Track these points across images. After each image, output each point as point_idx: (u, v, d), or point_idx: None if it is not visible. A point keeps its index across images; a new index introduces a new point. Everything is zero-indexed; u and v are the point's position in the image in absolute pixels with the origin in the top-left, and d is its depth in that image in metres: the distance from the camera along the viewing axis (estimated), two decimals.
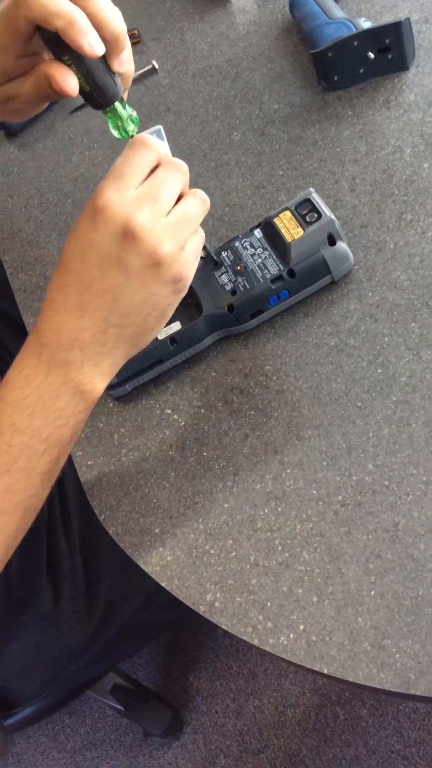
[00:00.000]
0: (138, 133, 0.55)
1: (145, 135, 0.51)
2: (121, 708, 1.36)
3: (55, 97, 0.52)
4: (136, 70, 0.90)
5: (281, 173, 0.75)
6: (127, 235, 0.47)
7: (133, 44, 0.94)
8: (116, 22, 0.50)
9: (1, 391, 0.50)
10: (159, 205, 0.49)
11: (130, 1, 0.99)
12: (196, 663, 1.49)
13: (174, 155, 0.78)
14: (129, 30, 0.93)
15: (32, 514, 0.53)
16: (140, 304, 0.50)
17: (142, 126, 0.84)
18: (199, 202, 0.52)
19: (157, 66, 0.90)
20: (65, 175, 0.86)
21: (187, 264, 0.51)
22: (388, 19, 0.80)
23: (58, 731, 1.53)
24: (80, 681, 0.91)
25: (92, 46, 0.47)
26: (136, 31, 0.94)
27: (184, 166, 0.51)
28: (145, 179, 0.49)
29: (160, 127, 0.83)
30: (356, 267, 0.66)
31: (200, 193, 0.52)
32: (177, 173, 0.51)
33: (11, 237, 0.84)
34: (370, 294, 0.64)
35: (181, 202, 0.51)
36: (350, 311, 0.64)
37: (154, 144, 0.50)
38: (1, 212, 0.86)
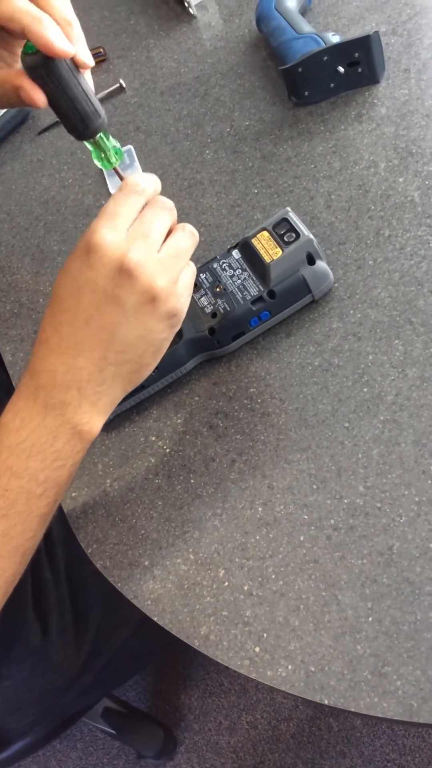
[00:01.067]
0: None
1: (134, 175, 0.51)
2: (113, 731, 1.34)
3: (18, 105, 0.51)
4: (103, 89, 0.89)
5: (256, 191, 0.74)
6: (123, 272, 0.48)
7: (98, 63, 0.93)
8: (66, 12, 0.49)
9: None
10: (151, 242, 0.49)
11: (94, 18, 0.98)
12: (186, 681, 1.48)
13: None
14: (94, 48, 0.92)
15: (29, 556, 0.52)
16: (137, 340, 0.50)
17: None
18: (188, 236, 0.52)
19: (124, 84, 0.89)
20: (35, 198, 0.85)
21: (181, 298, 0.52)
22: (356, 32, 0.80)
23: (49, 757, 1.51)
24: (72, 712, 0.89)
25: (62, 43, 0.47)
26: (101, 49, 0.92)
27: (170, 203, 0.52)
28: (136, 219, 0.50)
29: (130, 147, 0.82)
30: (336, 285, 0.65)
31: (189, 228, 0.53)
32: (166, 211, 0.51)
33: None
34: (351, 312, 0.64)
35: (171, 237, 0.51)
36: (333, 330, 0.64)
37: (144, 186, 0.50)
38: None
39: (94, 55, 0.92)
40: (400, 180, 0.69)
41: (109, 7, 0.98)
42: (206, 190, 0.77)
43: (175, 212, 0.52)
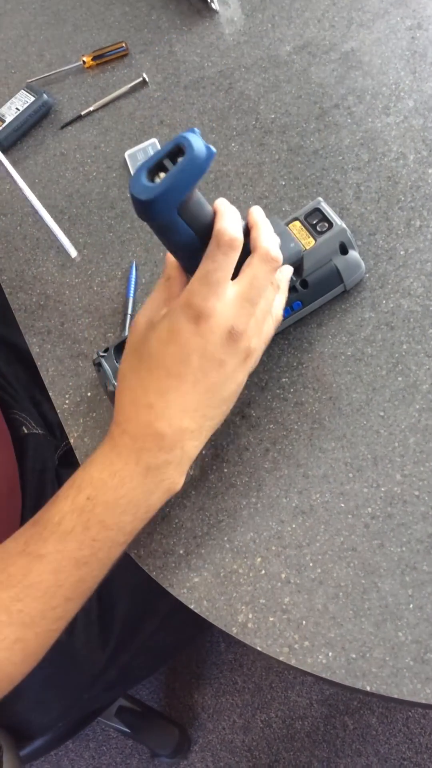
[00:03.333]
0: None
1: (221, 221, 0.51)
2: (128, 730, 1.34)
3: None
4: (125, 83, 0.89)
5: (283, 183, 0.74)
6: (230, 338, 0.52)
7: (120, 57, 0.93)
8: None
9: (89, 489, 0.52)
10: (254, 308, 0.53)
11: (115, 14, 0.98)
12: (200, 680, 1.47)
13: None
14: (116, 43, 0.92)
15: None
16: (229, 394, 0.55)
17: (136, 139, 0.83)
18: (275, 290, 0.57)
19: (147, 78, 0.89)
20: (59, 191, 0.85)
21: (263, 348, 0.57)
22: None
23: (62, 756, 1.50)
24: (94, 707, 0.89)
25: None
26: (123, 44, 0.92)
27: (273, 251, 0.54)
28: (242, 271, 0.53)
29: (155, 140, 0.82)
30: (367, 275, 0.65)
31: (283, 285, 0.58)
32: (268, 268, 0.54)
33: (7, 256, 0.82)
34: (384, 302, 0.64)
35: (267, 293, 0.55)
36: (365, 320, 0.64)
37: (234, 235, 0.51)
38: None
39: (116, 50, 0.92)
40: (430, 171, 0.69)
41: (130, 3, 0.98)
42: (233, 183, 0.77)
43: (277, 261, 0.54)
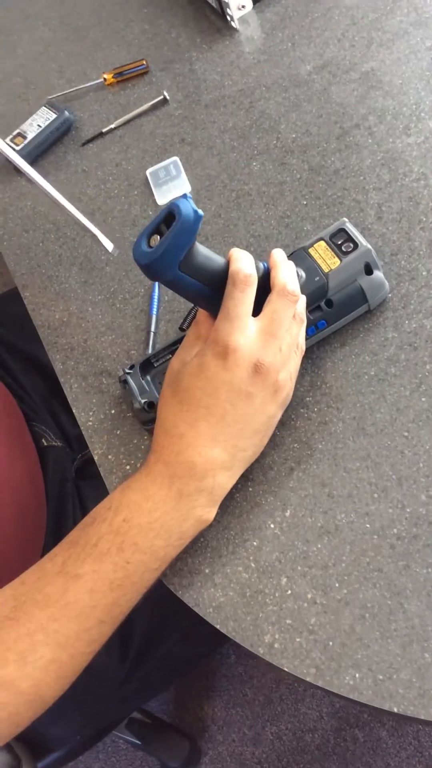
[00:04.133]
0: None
1: (236, 262, 0.56)
2: (138, 742, 1.34)
3: None
4: (146, 101, 0.90)
5: (305, 202, 0.75)
6: (256, 372, 0.55)
7: (140, 75, 0.94)
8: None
9: (125, 512, 0.54)
10: (278, 341, 0.56)
11: (135, 31, 0.99)
12: (210, 692, 1.48)
13: (192, 186, 0.79)
14: (136, 61, 0.93)
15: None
16: (261, 426, 0.57)
17: (158, 157, 0.84)
18: (299, 324, 0.59)
19: (168, 96, 0.90)
20: (81, 209, 0.85)
21: (293, 383, 0.59)
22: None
23: None
24: (112, 720, 0.90)
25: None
26: (144, 62, 0.93)
27: (290, 286, 0.57)
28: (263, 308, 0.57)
29: (176, 158, 0.83)
30: (390, 295, 0.66)
31: (299, 314, 0.59)
32: (289, 303, 0.57)
33: (30, 272, 0.83)
34: (406, 322, 0.64)
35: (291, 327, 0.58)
36: (388, 340, 0.64)
37: (249, 272, 0.55)
38: (18, 248, 0.85)
39: (137, 68, 0.93)
40: None
41: (150, 21, 0.99)
42: (254, 202, 0.77)
43: (295, 295, 0.57)
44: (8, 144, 0.90)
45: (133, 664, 0.80)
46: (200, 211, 0.53)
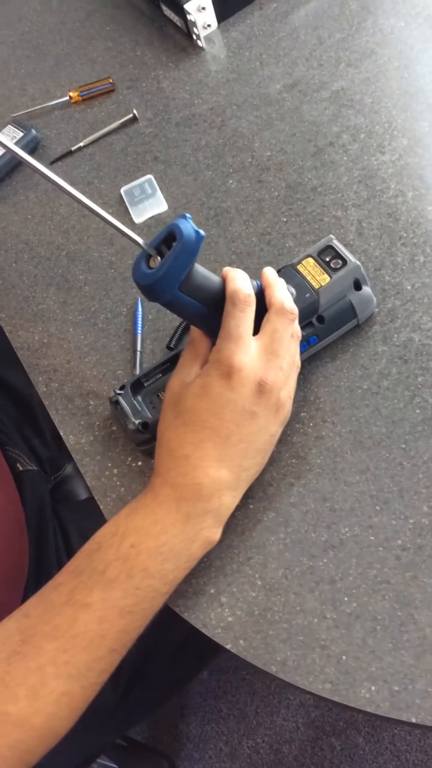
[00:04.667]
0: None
1: (232, 281, 0.56)
2: (116, 766, 1.31)
3: None
4: (115, 119, 0.90)
5: (285, 219, 0.76)
6: (260, 391, 0.55)
7: (107, 93, 0.93)
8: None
9: (133, 537, 0.53)
10: (279, 360, 0.56)
11: (97, 48, 0.99)
12: (183, 709, 1.46)
13: (169, 204, 0.79)
14: (102, 79, 0.93)
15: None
16: (264, 445, 0.57)
17: (131, 175, 0.84)
18: (296, 341, 0.60)
19: (137, 114, 0.89)
20: (54, 227, 0.84)
21: (291, 398, 0.59)
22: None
23: None
24: (99, 749, 0.88)
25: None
26: (110, 80, 0.93)
27: (288, 304, 0.58)
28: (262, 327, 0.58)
29: (150, 176, 0.83)
30: (377, 310, 0.67)
31: (297, 330, 0.60)
32: (287, 320, 0.58)
33: (5, 293, 0.81)
34: (395, 336, 0.66)
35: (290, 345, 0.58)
36: (378, 353, 0.65)
37: (247, 292, 0.56)
38: None
39: (103, 86, 0.93)
40: (429, 208, 0.71)
41: (113, 38, 0.99)
42: (234, 219, 0.78)
43: (293, 313, 0.58)
44: None
45: (125, 692, 0.79)
46: (202, 232, 0.53)
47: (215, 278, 0.57)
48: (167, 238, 0.54)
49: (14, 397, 0.99)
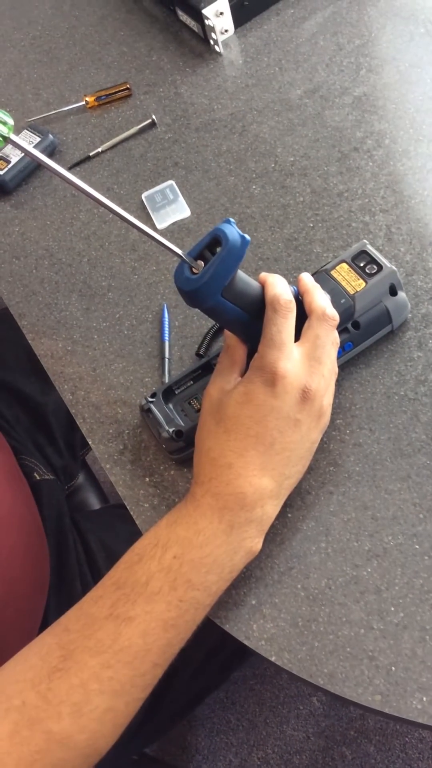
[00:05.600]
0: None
1: (273, 286, 0.56)
2: None
3: None
4: (133, 124, 0.89)
5: (311, 225, 0.75)
6: (304, 398, 0.54)
7: (123, 98, 0.93)
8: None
9: (175, 548, 0.52)
10: (322, 367, 0.56)
11: (112, 53, 0.98)
12: (192, 720, 1.45)
13: (192, 210, 0.78)
14: (119, 84, 0.92)
15: None
16: (305, 452, 0.56)
17: (152, 181, 0.83)
18: (336, 346, 0.58)
19: (156, 119, 0.89)
20: (75, 233, 0.83)
21: (330, 405, 0.58)
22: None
23: None
24: (121, 764, 0.86)
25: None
26: (127, 85, 0.92)
27: (329, 310, 0.58)
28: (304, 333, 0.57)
29: (171, 182, 0.82)
30: (410, 315, 0.67)
31: (337, 337, 0.59)
32: (328, 326, 0.57)
33: (26, 300, 0.80)
34: (431, 342, 0.65)
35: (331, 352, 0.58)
36: (413, 359, 0.65)
37: (287, 298, 0.55)
38: (10, 275, 0.82)
39: (120, 90, 0.92)
40: None
41: (128, 44, 0.98)
42: (259, 225, 0.77)
43: (335, 319, 0.58)
44: None
45: (150, 707, 0.77)
46: (247, 237, 0.52)
47: (255, 284, 0.56)
48: (211, 244, 0.53)
49: (27, 406, 0.98)
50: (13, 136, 0.44)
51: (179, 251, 0.52)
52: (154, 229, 0.80)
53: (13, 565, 0.72)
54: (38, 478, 0.89)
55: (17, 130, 0.91)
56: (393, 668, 0.53)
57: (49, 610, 0.77)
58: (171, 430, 0.63)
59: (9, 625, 0.70)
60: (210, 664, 0.82)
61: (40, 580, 0.76)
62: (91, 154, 0.88)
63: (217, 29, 0.90)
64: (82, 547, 0.86)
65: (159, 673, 0.53)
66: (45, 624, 0.75)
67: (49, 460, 0.98)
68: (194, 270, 0.53)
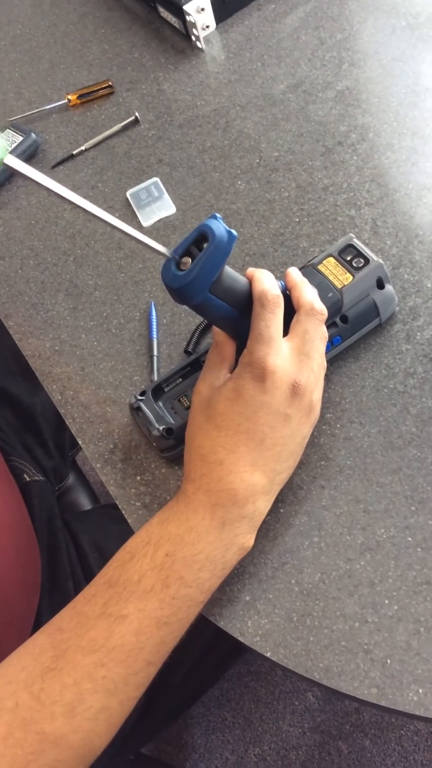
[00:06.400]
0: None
1: (259, 281, 0.55)
2: None
3: None
4: (116, 122, 0.88)
5: (297, 220, 0.75)
6: (294, 393, 0.54)
7: (106, 95, 0.92)
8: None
9: (167, 545, 0.52)
10: (311, 360, 0.56)
11: (93, 51, 0.97)
12: (187, 719, 1.44)
13: (177, 207, 0.78)
14: (101, 81, 0.91)
15: None
16: (296, 447, 0.56)
17: (136, 178, 0.82)
18: (324, 340, 0.58)
19: (139, 117, 0.88)
20: (59, 232, 0.83)
21: (320, 400, 0.58)
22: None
23: None
24: (118, 764, 0.86)
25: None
26: (109, 82, 0.92)
27: (317, 305, 0.58)
28: (292, 328, 0.57)
29: (156, 179, 0.82)
30: (398, 308, 0.67)
31: (324, 332, 0.58)
32: (317, 321, 0.57)
33: (11, 301, 0.79)
34: (419, 334, 0.65)
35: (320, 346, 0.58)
36: (402, 352, 0.65)
37: (275, 293, 0.55)
38: None
39: (103, 88, 0.91)
40: None
41: (109, 41, 0.98)
42: (245, 220, 0.77)
43: (323, 314, 0.58)
44: None
45: (145, 707, 0.77)
46: (234, 232, 0.52)
47: (243, 279, 0.56)
48: (197, 240, 0.53)
49: (15, 407, 0.97)
50: (7, 160, 0.44)
51: (164, 249, 0.52)
52: (140, 226, 0.80)
53: (3, 568, 0.71)
54: (28, 479, 0.88)
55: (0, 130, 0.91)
56: (388, 661, 0.53)
57: (41, 611, 0.76)
58: (161, 428, 0.62)
59: (2, 626, 0.69)
60: (205, 661, 0.81)
61: (31, 581, 0.76)
62: (74, 152, 0.88)
63: (199, 25, 0.90)
64: (74, 547, 0.85)
65: (153, 671, 0.52)
66: (37, 625, 0.74)
67: (38, 461, 0.97)
68: (181, 267, 0.52)
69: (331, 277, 0.64)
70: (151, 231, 0.79)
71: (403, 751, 1.33)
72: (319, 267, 0.65)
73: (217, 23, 0.93)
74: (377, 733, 1.35)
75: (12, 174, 0.89)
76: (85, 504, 1.09)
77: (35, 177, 0.46)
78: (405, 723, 1.35)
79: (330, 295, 0.63)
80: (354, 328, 0.64)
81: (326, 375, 0.64)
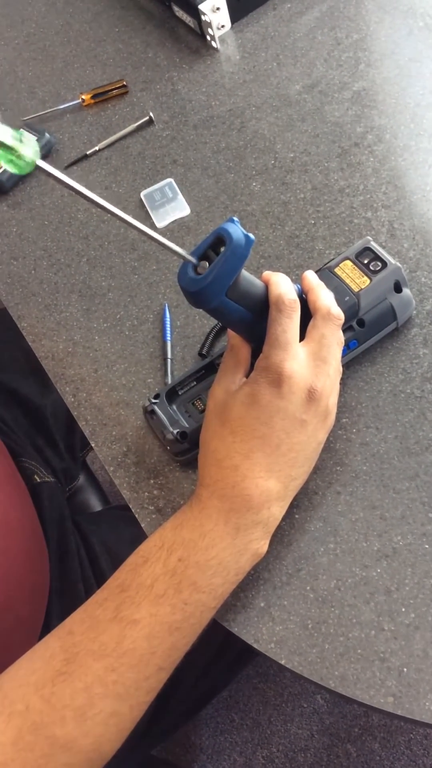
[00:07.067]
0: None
1: (277, 285, 0.55)
2: None
3: None
4: (130, 122, 0.88)
5: (312, 222, 0.75)
6: (310, 398, 0.54)
7: (120, 95, 0.92)
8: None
9: (180, 550, 0.51)
10: (327, 365, 0.55)
11: (107, 50, 0.97)
12: (195, 720, 1.44)
13: (192, 208, 0.77)
14: (115, 81, 0.91)
15: None
16: (312, 453, 0.56)
17: (150, 179, 0.82)
18: (341, 345, 0.58)
19: (153, 117, 0.88)
20: (73, 233, 0.82)
21: (336, 405, 0.58)
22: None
23: None
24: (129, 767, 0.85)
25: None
26: (124, 82, 0.91)
27: (334, 309, 0.57)
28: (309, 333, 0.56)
29: (170, 180, 0.81)
30: (415, 312, 0.66)
31: (341, 336, 0.58)
32: (333, 325, 0.56)
33: (24, 302, 0.79)
34: None
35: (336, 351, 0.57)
36: (419, 357, 0.64)
37: (292, 297, 0.54)
38: (8, 276, 0.81)
39: (117, 88, 0.91)
40: None
41: (123, 40, 0.97)
42: (260, 222, 0.76)
43: (340, 318, 0.57)
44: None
45: (155, 713, 0.77)
46: (252, 236, 0.51)
47: (259, 283, 0.56)
48: (215, 243, 0.52)
49: (26, 408, 0.97)
50: (39, 162, 0.44)
51: (183, 252, 0.52)
52: (154, 228, 0.79)
53: (12, 570, 0.71)
54: (38, 480, 0.88)
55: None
56: (405, 669, 0.52)
57: (51, 613, 0.76)
58: (175, 431, 0.62)
59: (9, 630, 0.69)
60: (216, 665, 0.81)
61: (40, 584, 0.76)
62: (88, 152, 0.87)
63: (214, 25, 0.89)
64: (84, 549, 0.85)
65: (164, 676, 0.52)
66: (47, 628, 0.74)
67: (48, 462, 0.97)
68: (198, 270, 0.52)
69: (347, 281, 0.63)
70: (165, 232, 0.79)
71: (412, 755, 1.32)
72: (336, 270, 0.64)
73: (232, 23, 0.92)
74: (386, 736, 1.34)
75: (26, 174, 0.88)
76: (95, 504, 1.08)
77: (67, 181, 0.46)
78: (414, 727, 1.34)
79: (347, 299, 0.62)
80: (371, 332, 0.64)
81: (342, 379, 0.64)
